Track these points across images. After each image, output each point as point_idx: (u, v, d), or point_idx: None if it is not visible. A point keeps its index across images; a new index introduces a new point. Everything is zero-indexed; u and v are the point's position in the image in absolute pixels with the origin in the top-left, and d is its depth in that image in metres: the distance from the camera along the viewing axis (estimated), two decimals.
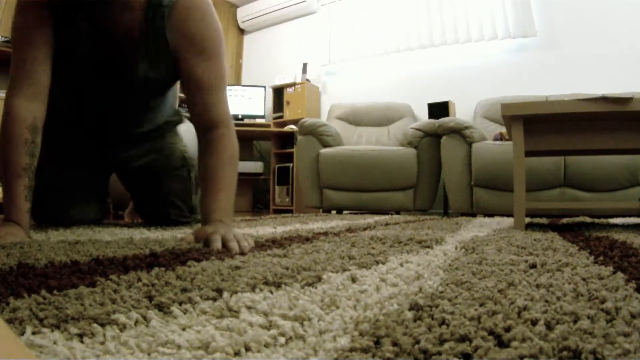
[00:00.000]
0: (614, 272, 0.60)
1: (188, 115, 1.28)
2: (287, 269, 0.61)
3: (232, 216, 1.06)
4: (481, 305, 0.43)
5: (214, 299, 0.45)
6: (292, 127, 4.27)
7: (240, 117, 4.58)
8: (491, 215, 2.78)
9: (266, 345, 0.33)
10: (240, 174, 4.48)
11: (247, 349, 0.32)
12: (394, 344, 0.32)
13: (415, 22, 4.06)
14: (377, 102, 4.04)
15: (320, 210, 3.55)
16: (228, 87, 5.11)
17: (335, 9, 4.56)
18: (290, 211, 4.19)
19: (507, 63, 3.70)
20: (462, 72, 3.88)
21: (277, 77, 4.75)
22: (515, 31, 3.58)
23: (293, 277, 0.55)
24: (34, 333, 0.34)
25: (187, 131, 1.56)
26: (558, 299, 0.45)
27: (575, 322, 0.37)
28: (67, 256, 0.71)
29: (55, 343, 0.32)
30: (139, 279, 0.53)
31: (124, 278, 0.54)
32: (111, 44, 1.16)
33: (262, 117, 4.63)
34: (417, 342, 0.32)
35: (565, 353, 0.30)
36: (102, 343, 0.33)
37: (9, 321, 0.36)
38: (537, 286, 0.52)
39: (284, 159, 4.45)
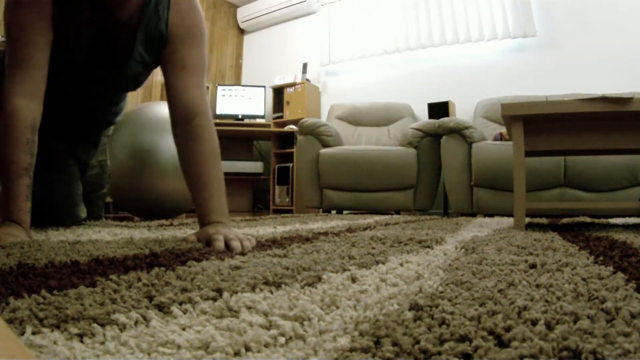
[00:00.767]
0: (614, 272, 0.60)
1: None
2: (287, 269, 0.61)
3: (228, 216, 1.07)
4: (481, 305, 0.43)
5: (214, 299, 0.45)
6: (292, 127, 4.27)
7: (240, 117, 4.58)
8: (491, 215, 2.78)
9: (266, 345, 0.33)
10: (240, 174, 4.48)
11: (247, 349, 0.32)
12: (394, 344, 0.32)
13: (415, 22, 4.06)
14: (377, 102, 4.05)
15: (320, 210, 3.55)
16: (228, 87, 5.08)
17: (335, 9, 4.56)
18: (290, 211, 4.19)
19: (507, 63, 3.70)
20: (462, 72, 3.88)
21: (277, 77, 4.75)
22: (515, 31, 3.58)
23: (293, 277, 0.55)
24: (34, 333, 0.34)
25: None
26: (558, 299, 0.45)
27: (575, 322, 0.37)
28: (67, 256, 0.71)
29: (55, 343, 0.32)
30: (139, 279, 0.53)
31: (124, 278, 0.54)
32: (112, 29, 1.17)
33: (262, 117, 4.63)
34: (417, 342, 0.32)
35: (565, 353, 0.30)
36: (102, 343, 0.33)
37: (9, 321, 0.36)
38: (537, 286, 0.52)
39: (284, 159, 4.45)
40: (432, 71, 4.05)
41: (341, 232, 1.31)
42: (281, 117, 4.51)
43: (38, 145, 1.09)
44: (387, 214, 3.20)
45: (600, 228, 1.55)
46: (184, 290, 0.48)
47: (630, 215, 2.34)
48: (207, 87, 1.27)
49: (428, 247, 0.93)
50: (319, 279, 0.55)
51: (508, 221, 2.05)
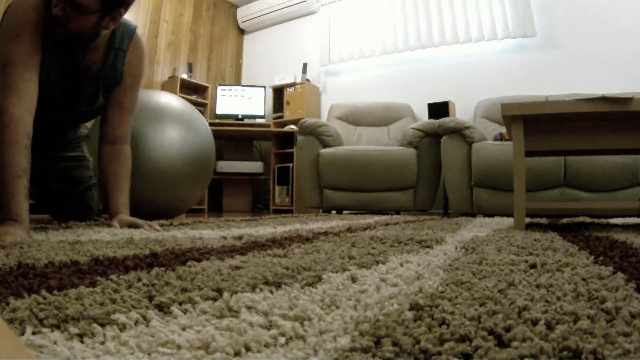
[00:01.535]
0: (614, 272, 0.60)
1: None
2: (287, 269, 0.61)
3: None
4: (481, 305, 0.43)
5: (214, 299, 0.45)
6: (292, 127, 4.27)
7: (240, 117, 4.58)
8: (491, 215, 2.77)
9: (266, 345, 0.33)
10: (240, 174, 4.49)
11: (247, 349, 0.32)
12: (394, 344, 0.32)
13: (415, 22, 4.06)
14: (377, 102, 4.04)
15: (320, 210, 3.55)
16: (228, 87, 5.12)
17: (335, 9, 4.56)
18: (290, 211, 4.19)
19: (507, 63, 3.70)
20: (462, 72, 3.88)
21: (277, 77, 4.75)
22: (515, 31, 3.58)
23: (293, 277, 0.55)
24: (34, 333, 0.34)
25: None
26: (558, 299, 0.45)
27: (575, 322, 0.37)
28: (67, 256, 0.71)
29: (55, 343, 0.32)
30: (139, 279, 0.53)
31: (124, 278, 0.54)
32: (78, 75, 1.42)
33: (262, 117, 4.63)
34: (417, 342, 0.32)
35: (565, 353, 0.30)
36: (102, 343, 0.33)
37: (9, 321, 0.36)
38: (537, 286, 0.52)
39: (284, 159, 4.45)
40: (432, 71, 4.05)
41: (341, 232, 1.31)
42: (281, 117, 4.51)
43: None
44: (387, 214, 3.20)
45: (600, 228, 1.55)
46: (184, 290, 0.48)
47: (630, 215, 2.34)
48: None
49: (428, 247, 0.93)
50: (319, 279, 0.55)
51: (508, 221, 2.05)
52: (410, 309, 0.41)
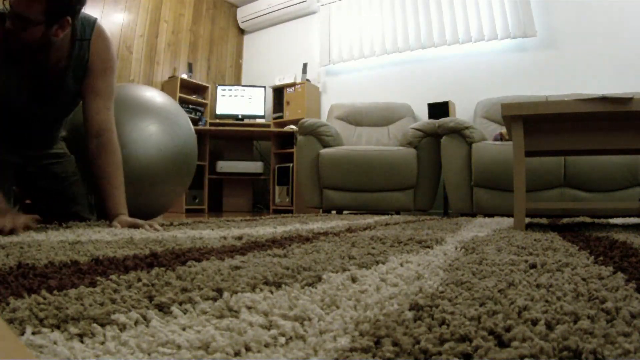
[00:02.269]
0: (614, 272, 0.60)
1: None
2: (287, 269, 0.61)
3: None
4: (481, 305, 0.43)
5: (214, 299, 0.45)
6: (292, 127, 4.27)
7: (240, 117, 4.58)
8: (491, 215, 2.77)
9: (266, 345, 0.33)
10: (240, 174, 4.49)
11: (247, 349, 0.32)
12: (394, 344, 0.32)
13: (415, 22, 4.06)
14: (377, 102, 4.04)
15: (321, 210, 3.55)
16: (228, 87, 5.12)
17: (335, 9, 4.56)
18: (290, 211, 4.19)
19: (507, 63, 3.70)
20: (462, 72, 3.88)
21: (277, 77, 4.75)
22: (515, 31, 3.58)
23: (293, 277, 0.55)
24: (34, 333, 0.34)
25: None
26: (558, 299, 0.45)
27: (575, 322, 0.37)
28: (67, 256, 0.71)
29: (55, 343, 0.32)
30: (139, 279, 0.53)
31: (124, 278, 0.54)
32: (45, 76, 1.46)
33: (262, 117, 4.63)
34: (418, 342, 0.32)
35: (565, 353, 0.30)
36: (102, 343, 0.33)
37: (9, 321, 0.36)
38: (537, 286, 0.52)
39: (284, 159, 4.45)
40: (432, 71, 4.05)
41: (341, 232, 1.31)
42: (281, 117, 4.51)
43: None
44: (387, 214, 3.20)
45: (600, 228, 1.55)
46: (184, 290, 0.48)
47: (630, 215, 2.34)
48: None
49: (428, 247, 0.93)
50: (319, 279, 0.55)
51: (508, 221, 2.05)
52: (410, 309, 0.41)
